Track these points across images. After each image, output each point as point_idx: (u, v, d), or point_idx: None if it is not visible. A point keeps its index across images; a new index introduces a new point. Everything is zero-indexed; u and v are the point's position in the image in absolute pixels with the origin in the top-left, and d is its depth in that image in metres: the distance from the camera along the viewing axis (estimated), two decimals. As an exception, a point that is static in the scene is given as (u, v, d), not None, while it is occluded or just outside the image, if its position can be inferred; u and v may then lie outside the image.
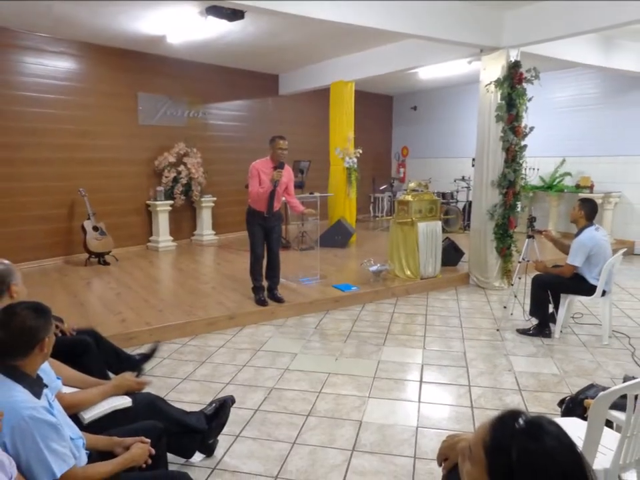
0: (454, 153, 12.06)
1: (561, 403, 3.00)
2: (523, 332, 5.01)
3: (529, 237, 5.20)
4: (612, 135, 9.38)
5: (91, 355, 3.17)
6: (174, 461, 2.75)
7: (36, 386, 1.87)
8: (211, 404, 2.95)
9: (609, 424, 2.36)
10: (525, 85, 6.28)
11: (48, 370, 2.18)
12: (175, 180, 8.84)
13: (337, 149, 9.18)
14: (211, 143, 9.72)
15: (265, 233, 5.49)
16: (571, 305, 5.00)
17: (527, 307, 5.19)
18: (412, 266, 6.60)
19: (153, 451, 2.12)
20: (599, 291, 4.61)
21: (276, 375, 4.05)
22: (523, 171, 6.64)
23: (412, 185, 6.91)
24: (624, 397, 2.04)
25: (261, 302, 5.51)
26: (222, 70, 9.69)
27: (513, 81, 6.24)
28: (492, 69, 6.39)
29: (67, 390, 2.42)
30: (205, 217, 9.54)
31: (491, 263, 6.68)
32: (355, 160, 9.16)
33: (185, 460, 2.83)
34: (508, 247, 6.61)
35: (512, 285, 5.84)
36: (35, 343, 1.86)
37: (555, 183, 9.97)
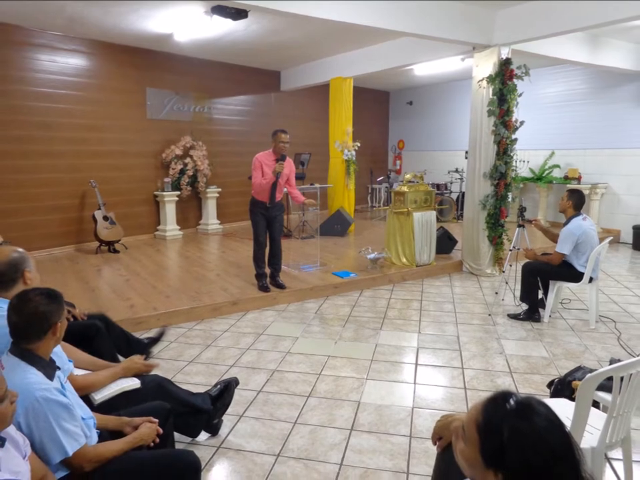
0: (448, 146, 12.01)
1: (550, 384, 3.00)
2: (514, 317, 5.01)
3: (520, 226, 5.19)
4: (599, 129, 9.32)
5: (102, 338, 3.15)
6: (180, 440, 2.76)
7: (49, 368, 1.87)
8: (216, 385, 2.95)
9: (595, 404, 2.36)
10: (515, 81, 6.24)
11: (60, 353, 2.17)
12: (182, 172, 8.82)
13: (336, 142, 9.14)
14: (216, 137, 9.68)
15: (267, 222, 5.47)
16: (559, 291, 4.99)
17: (518, 293, 5.20)
18: (408, 254, 6.59)
19: (161, 430, 2.11)
20: (586, 278, 4.61)
21: (278, 358, 4.05)
22: (514, 163, 6.62)
23: (408, 176, 6.87)
24: (610, 378, 2.04)
25: (263, 288, 5.50)
26: (226, 67, 9.62)
27: (504, 77, 6.21)
28: (484, 66, 6.34)
29: (78, 372, 2.41)
30: (210, 207, 9.51)
31: (483, 251, 6.66)
32: (354, 152, 9.12)
33: (191, 439, 2.83)
34: (499, 236, 6.61)
35: (503, 271, 5.83)
36: (47, 327, 1.85)
37: (544, 175, 9.93)
